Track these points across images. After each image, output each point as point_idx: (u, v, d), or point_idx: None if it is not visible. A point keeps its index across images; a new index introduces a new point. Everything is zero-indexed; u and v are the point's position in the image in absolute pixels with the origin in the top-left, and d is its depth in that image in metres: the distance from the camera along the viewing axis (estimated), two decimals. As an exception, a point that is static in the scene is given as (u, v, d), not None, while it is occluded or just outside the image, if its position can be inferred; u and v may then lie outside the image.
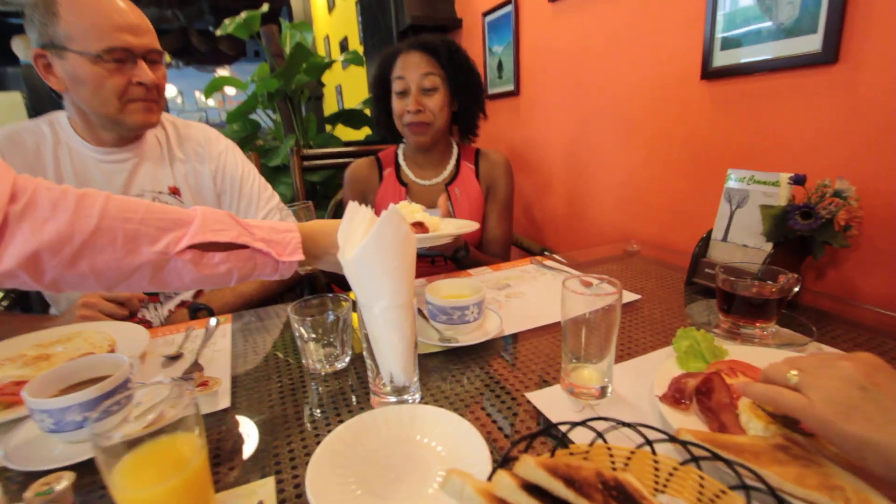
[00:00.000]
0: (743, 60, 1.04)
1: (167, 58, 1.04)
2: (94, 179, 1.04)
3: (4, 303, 1.20)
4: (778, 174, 0.86)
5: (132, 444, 0.39)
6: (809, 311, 0.87)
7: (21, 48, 6.32)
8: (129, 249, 0.57)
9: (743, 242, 0.93)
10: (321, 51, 5.44)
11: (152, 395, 0.63)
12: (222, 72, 10.88)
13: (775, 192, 0.87)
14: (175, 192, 1.12)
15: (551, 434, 0.55)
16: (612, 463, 0.43)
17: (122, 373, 0.58)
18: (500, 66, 1.99)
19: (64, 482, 0.48)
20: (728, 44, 1.07)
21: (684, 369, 0.64)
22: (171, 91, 10.37)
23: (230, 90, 2.95)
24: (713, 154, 1.17)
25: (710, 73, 1.12)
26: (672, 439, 0.44)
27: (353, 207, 0.58)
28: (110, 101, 0.95)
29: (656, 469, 0.42)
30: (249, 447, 0.58)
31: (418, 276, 1.23)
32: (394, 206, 0.54)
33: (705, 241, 0.99)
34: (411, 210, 1.01)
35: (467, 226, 0.99)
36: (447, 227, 0.99)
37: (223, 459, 0.56)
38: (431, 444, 0.52)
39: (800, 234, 0.85)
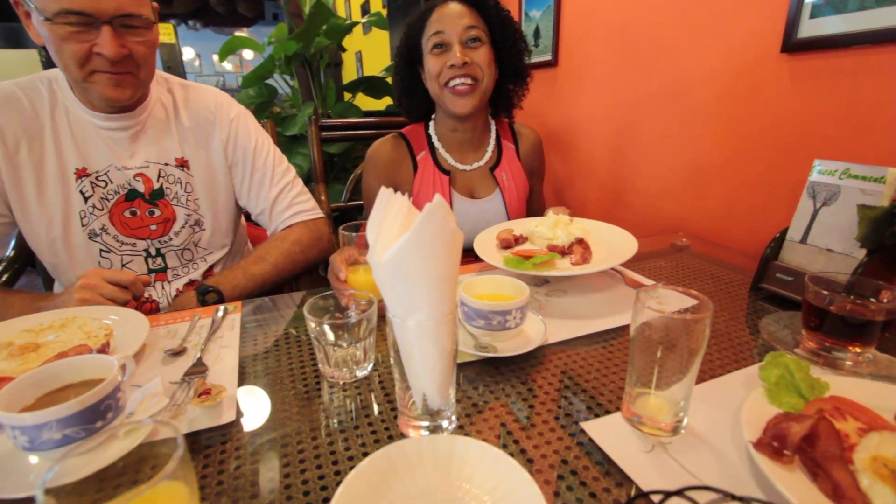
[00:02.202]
0: (837, 30, 0.89)
1: (151, 17, 0.87)
2: (94, 147, 0.95)
3: (4, 276, 1.14)
4: (884, 168, 0.73)
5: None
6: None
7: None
8: None
9: (827, 246, 0.80)
10: (342, 13, 5.22)
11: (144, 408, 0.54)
12: (240, 34, 10.66)
13: (878, 189, 0.73)
14: (183, 164, 1.02)
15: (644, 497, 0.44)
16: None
17: (110, 382, 0.49)
18: (536, 33, 1.83)
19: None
20: (819, 10, 0.91)
21: (775, 405, 0.53)
22: (188, 54, 10.21)
23: (248, 54, 2.82)
24: (790, 140, 1.02)
25: (793, 45, 0.97)
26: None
27: (385, 195, 0.47)
28: (71, 68, 0.83)
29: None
30: (256, 476, 0.49)
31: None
32: (439, 196, 0.43)
33: (778, 242, 0.86)
34: (564, 221, 0.97)
35: (623, 253, 0.88)
36: (598, 251, 0.93)
37: (226, 488, 0.47)
38: (475, 493, 0.43)
39: (901, 240, 0.72)
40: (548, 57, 1.78)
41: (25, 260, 1.20)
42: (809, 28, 0.93)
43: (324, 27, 2.22)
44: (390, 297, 0.46)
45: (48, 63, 5.79)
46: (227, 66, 11.09)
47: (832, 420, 0.49)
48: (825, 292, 0.64)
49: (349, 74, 5.51)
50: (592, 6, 1.57)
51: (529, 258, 0.86)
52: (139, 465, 0.40)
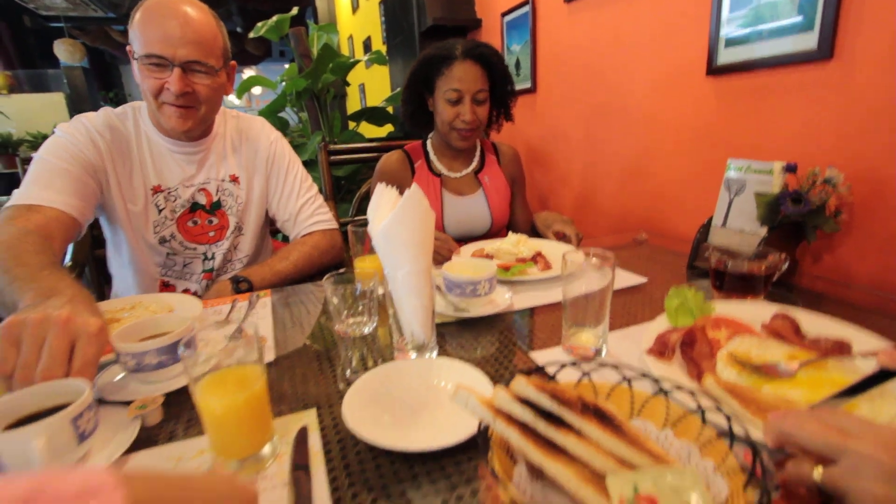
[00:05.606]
0: (745, 58, 1.10)
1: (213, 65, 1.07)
2: (168, 167, 1.16)
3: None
4: (772, 163, 0.93)
5: (213, 369, 0.50)
6: (805, 293, 0.93)
7: (63, 51, 6.65)
8: None
9: (741, 228, 0.99)
10: (345, 50, 5.58)
11: (212, 346, 0.74)
12: (249, 71, 11.21)
13: (769, 180, 0.93)
14: (234, 179, 1.25)
15: (545, 373, 0.63)
16: (595, 396, 0.51)
17: (189, 326, 0.69)
18: (517, 65, 2.07)
19: (157, 402, 0.60)
20: (731, 42, 1.13)
21: (674, 325, 0.71)
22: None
23: (256, 89, 3.09)
24: (717, 146, 1.23)
25: (714, 70, 1.18)
26: (644, 375, 0.52)
27: (380, 189, 0.68)
28: (149, 98, 1.07)
29: (632, 400, 0.50)
30: (293, 390, 0.68)
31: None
32: (415, 185, 0.63)
33: (706, 227, 1.06)
34: (522, 240, 1.16)
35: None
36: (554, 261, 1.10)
37: (272, 398, 0.66)
38: (446, 387, 0.62)
39: (793, 219, 0.91)
40: (528, 84, 2.01)
41: (80, 272, 1.41)
42: (725, 56, 1.15)
43: (330, 65, 2.49)
44: (385, 258, 0.66)
45: (73, 105, 6.20)
46: (235, 100, 11.62)
47: (710, 330, 0.67)
48: (725, 257, 0.83)
49: (353, 103, 5.83)
50: (561, 43, 1.81)
51: (509, 269, 1.05)
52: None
